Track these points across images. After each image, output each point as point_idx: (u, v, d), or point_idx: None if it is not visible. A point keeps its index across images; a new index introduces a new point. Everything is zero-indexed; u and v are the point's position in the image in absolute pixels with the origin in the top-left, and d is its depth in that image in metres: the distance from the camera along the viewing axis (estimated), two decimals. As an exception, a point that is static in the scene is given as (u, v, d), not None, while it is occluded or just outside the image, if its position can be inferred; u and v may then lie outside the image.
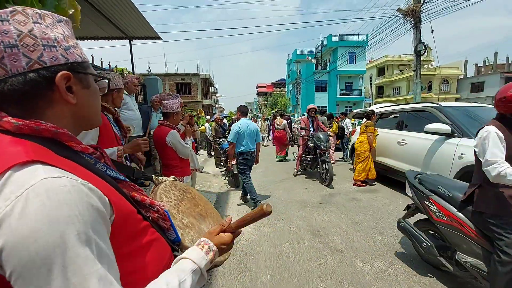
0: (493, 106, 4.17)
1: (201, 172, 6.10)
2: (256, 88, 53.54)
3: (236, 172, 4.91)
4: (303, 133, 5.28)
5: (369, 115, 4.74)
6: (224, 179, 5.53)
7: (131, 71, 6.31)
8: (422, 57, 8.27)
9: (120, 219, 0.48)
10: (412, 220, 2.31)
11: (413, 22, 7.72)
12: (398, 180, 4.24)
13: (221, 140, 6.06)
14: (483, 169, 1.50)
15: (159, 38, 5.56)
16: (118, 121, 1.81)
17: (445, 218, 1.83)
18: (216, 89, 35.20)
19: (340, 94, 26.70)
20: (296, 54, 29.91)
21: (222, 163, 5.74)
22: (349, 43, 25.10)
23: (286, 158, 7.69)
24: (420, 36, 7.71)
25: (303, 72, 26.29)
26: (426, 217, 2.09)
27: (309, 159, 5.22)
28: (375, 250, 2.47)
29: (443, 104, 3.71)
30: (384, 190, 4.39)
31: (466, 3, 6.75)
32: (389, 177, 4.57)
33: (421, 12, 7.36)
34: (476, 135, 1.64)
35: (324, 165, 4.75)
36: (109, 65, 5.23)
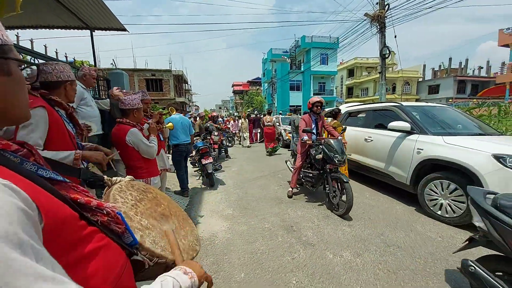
0: (444, 105, 4.58)
1: (173, 172, 5.87)
2: (232, 86, 53.04)
3: (210, 171, 4.81)
4: (305, 138, 3.57)
5: (335, 113, 4.93)
6: (198, 179, 5.39)
7: (93, 64, 5.82)
8: (386, 61, 8.89)
9: (53, 225, 0.41)
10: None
11: (378, 27, 8.24)
12: (367, 175, 4.51)
13: (194, 138, 5.87)
14: None
15: (124, 30, 5.18)
16: (72, 117, 1.63)
17: None
18: (190, 86, 34.16)
19: (314, 94, 27.63)
20: (271, 53, 30.22)
21: (196, 163, 5.56)
22: (322, 44, 26.07)
23: (276, 148, 8.69)
24: (385, 41, 8.27)
25: (278, 71, 26.70)
26: (491, 253, 1.61)
27: (311, 175, 3.69)
28: (344, 242, 2.58)
29: (404, 103, 4.01)
30: (353, 185, 4.62)
31: (425, 11, 7.39)
32: (358, 172, 4.83)
33: (385, 18, 7.90)
34: None
35: (337, 186, 3.30)
36: (66, 56, 4.73)
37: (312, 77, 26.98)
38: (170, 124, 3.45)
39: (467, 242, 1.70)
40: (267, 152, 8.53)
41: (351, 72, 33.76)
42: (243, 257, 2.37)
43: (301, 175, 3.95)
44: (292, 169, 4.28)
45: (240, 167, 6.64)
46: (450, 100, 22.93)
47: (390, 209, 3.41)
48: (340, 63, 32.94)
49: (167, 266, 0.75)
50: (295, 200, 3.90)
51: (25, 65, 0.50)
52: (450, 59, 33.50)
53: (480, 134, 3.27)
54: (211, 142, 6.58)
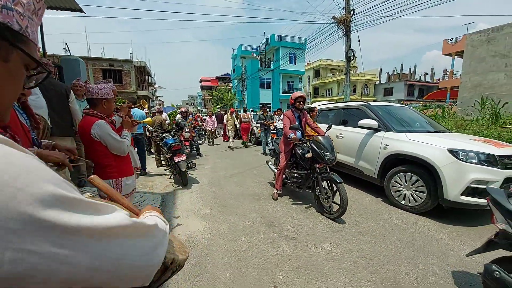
0: (403, 105, 5.05)
1: (141, 172, 5.43)
2: (200, 82, 51.24)
3: (184, 169, 4.57)
4: (291, 135, 3.31)
5: (311, 110, 5.12)
6: (170, 178, 5.09)
7: (40, 48, 5.02)
8: (350, 63, 9.53)
9: None
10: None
11: (344, 30, 8.76)
12: (336, 170, 4.78)
13: (164, 135, 5.50)
14: None
15: (80, 10, 4.56)
16: (27, 107, 1.36)
17: None
18: (154, 79, 32.03)
19: (283, 92, 28.35)
20: (241, 50, 30.03)
21: (167, 160, 5.21)
22: (290, 44, 26.81)
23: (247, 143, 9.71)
24: (350, 44, 8.83)
25: (248, 68, 26.67)
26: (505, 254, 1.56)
27: (298, 175, 3.45)
28: (323, 234, 2.69)
29: (371, 103, 4.33)
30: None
31: (385, 19, 8.08)
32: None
33: (351, 22, 8.43)
34: None
35: (328, 187, 3.07)
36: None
37: (281, 76, 27.62)
38: (148, 119, 3.15)
39: (485, 245, 1.62)
40: (243, 144, 9.70)
41: (317, 73, 35.45)
42: (226, 256, 2.30)
43: (285, 176, 3.73)
44: (275, 170, 4.02)
45: (213, 164, 6.47)
46: (402, 102, 25.68)
47: (360, 201, 3.67)
48: (307, 63, 34.33)
49: (165, 267, 0.67)
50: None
51: (37, 67, 0.46)
52: (402, 65, 37.66)
53: (434, 131, 3.71)
54: (182, 138, 6.26)
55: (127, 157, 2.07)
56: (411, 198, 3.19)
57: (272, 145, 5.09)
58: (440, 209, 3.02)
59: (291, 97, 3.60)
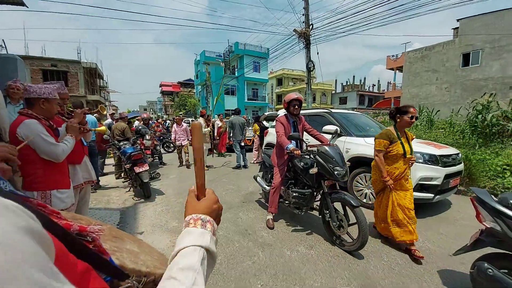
0: (359, 112, 5.57)
1: (97, 185, 4.83)
2: (160, 87, 48.63)
3: (146, 180, 4.21)
4: (290, 146, 2.65)
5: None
6: (129, 191, 4.63)
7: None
8: (311, 73, 10.20)
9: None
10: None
11: (305, 43, 9.37)
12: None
13: (122, 143, 5.01)
14: None
15: (22, 4, 3.94)
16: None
17: None
18: (107, 82, 29.32)
19: (248, 99, 28.74)
20: (204, 55, 29.62)
21: (126, 172, 4.72)
22: (254, 53, 27.49)
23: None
24: (310, 56, 9.47)
25: (212, 74, 26.37)
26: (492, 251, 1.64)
27: (299, 195, 2.79)
28: (297, 237, 2.75)
29: (333, 110, 4.67)
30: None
31: (340, 35, 8.90)
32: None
33: (310, 36, 9.07)
34: None
35: (342, 211, 2.50)
36: None
37: (246, 83, 28.03)
38: (103, 127, 2.82)
39: (472, 244, 1.67)
40: (220, 155, 8.46)
41: (280, 81, 36.97)
42: (200, 271, 2.16)
43: (282, 195, 3.08)
44: (267, 188, 3.36)
45: (179, 173, 6.12)
46: (355, 109, 28.40)
47: (327, 202, 3.87)
48: (270, 72, 35.60)
49: (155, 284, 0.62)
50: (245, 203, 3.89)
51: None
52: (354, 76, 42.09)
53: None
54: (142, 147, 5.78)
55: (62, 166, 1.79)
56: (371, 196, 3.50)
57: (260, 159, 4.09)
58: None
59: (284, 100, 3.02)
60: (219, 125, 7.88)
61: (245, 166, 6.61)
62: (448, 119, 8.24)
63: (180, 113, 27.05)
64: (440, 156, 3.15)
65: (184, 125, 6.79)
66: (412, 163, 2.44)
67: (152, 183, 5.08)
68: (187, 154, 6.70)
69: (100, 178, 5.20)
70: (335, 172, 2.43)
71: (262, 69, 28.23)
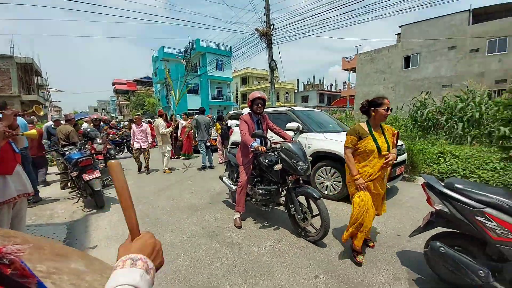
0: (319, 110, 5.91)
1: (33, 198, 4.18)
2: (113, 85, 44.32)
3: (98, 188, 3.78)
4: (254, 144, 2.67)
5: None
6: (77, 202, 4.12)
7: None
8: (274, 72, 10.45)
9: None
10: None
11: (267, 42, 9.53)
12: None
13: (67, 148, 4.41)
14: None
15: None
16: None
17: (511, 236, 1.45)
18: (47, 80, 25.69)
19: (212, 98, 28.14)
20: (163, 52, 27.97)
21: (73, 180, 4.15)
22: (217, 51, 27.00)
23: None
24: (272, 55, 9.68)
25: (172, 72, 25.10)
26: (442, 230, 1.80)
27: (265, 192, 2.83)
28: (265, 233, 2.79)
29: (294, 108, 4.85)
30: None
31: (299, 36, 9.26)
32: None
33: (272, 36, 9.27)
34: None
35: (306, 204, 2.65)
36: None
37: (210, 82, 27.39)
38: (33, 131, 2.43)
39: (425, 225, 1.84)
40: (186, 156, 7.74)
41: (244, 80, 37.07)
42: (164, 281, 2.03)
43: (249, 193, 3.11)
44: (234, 187, 3.37)
45: (137, 178, 5.68)
46: (316, 107, 30.10)
47: (293, 197, 4.01)
48: (234, 71, 35.43)
49: None
50: (212, 204, 3.79)
51: None
52: (314, 76, 44.81)
53: (343, 131, 4.48)
54: (93, 152, 5.16)
55: None
56: (331, 188, 3.74)
57: (226, 158, 3.99)
58: (352, 194, 3.67)
59: (248, 99, 3.02)
60: (183, 125, 7.50)
61: (211, 167, 6.46)
62: (394, 115, 9.31)
63: (137, 113, 25.16)
64: (388, 147, 3.53)
65: (144, 125, 6.05)
66: (388, 162, 2.06)
67: (106, 191, 4.62)
68: (147, 159, 6.10)
69: (40, 189, 4.52)
70: (298, 167, 2.51)
71: (225, 67, 27.91)
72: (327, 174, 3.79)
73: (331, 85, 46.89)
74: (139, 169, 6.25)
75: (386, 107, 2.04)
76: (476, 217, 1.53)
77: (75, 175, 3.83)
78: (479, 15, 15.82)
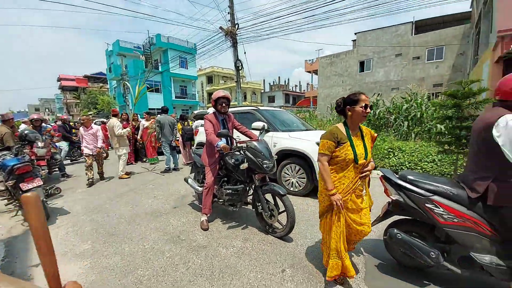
0: (283, 110, 6.11)
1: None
2: (59, 81, 39.15)
3: (41, 198, 3.29)
4: (220, 143, 2.61)
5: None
6: (16, 215, 3.55)
7: None
8: (240, 72, 10.43)
9: None
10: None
11: (232, 41, 9.46)
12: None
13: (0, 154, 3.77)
14: None
15: None
16: None
17: (456, 220, 1.59)
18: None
19: (176, 97, 26.88)
20: (118, 46, 25.71)
21: (8, 191, 3.55)
22: (180, 47, 25.87)
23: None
24: (238, 55, 9.65)
25: (130, 68, 23.31)
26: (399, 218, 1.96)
27: (232, 191, 2.80)
28: (233, 233, 2.76)
29: (260, 107, 4.90)
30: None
31: (264, 37, 9.41)
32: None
33: (236, 35, 9.23)
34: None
35: (273, 201, 2.69)
36: None
37: (173, 80, 26.11)
38: None
39: (383, 214, 2.00)
40: (152, 161, 7.00)
41: (210, 79, 36.28)
42: (123, 294, 1.86)
43: (216, 194, 3.07)
44: (200, 189, 3.27)
45: (91, 184, 5.10)
46: (282, 107, 31.01)
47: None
48: (199, 69, 34.44)
49: None
50: (176, 208, 3.61)
51: None
52: (279, 77, 45.94)
53: (306, 130, 4.70)
54: (33, 157, 4.46)
55: None
56: (296, 184, 3.89)
57: (192, 159, 3.78)
58: (316, 189, 3.86)
59: (212, 98, 2.98)
60: (144, 126, 6.78)
61: (175, 169, 6.15)
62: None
63: (89, 113, 22.72)
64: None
65: (94, 127, 5.24)
66: (365, 173, 1.75)
67: (51, 201, 4.06)
68: (101, 166, 5.40)
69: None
70: (264, 165, 2.54)
71: (190, 65, 26.93)
72: (292, 171, 3.93)
73: (296, 86, 48.88)
74: (91, 183, 5.03)
75: (364, 104, 1.66)
76: (426, 204, 1.69)
77: (11, 184, 3.28)
78: (421, 27, 18.13)
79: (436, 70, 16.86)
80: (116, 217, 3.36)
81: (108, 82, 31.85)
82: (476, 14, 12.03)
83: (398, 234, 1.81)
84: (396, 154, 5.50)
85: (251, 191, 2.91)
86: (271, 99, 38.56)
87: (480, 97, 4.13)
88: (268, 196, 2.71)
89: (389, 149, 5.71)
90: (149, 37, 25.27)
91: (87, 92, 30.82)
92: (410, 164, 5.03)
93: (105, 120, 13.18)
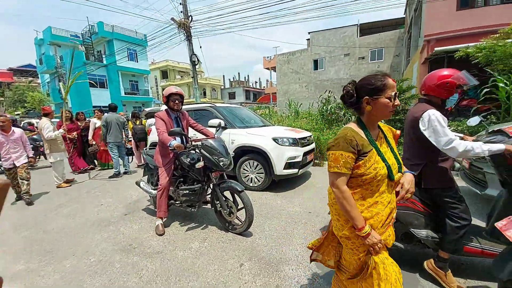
0: (241, 106, 6.15)
1: None
2: (-28, 74, 31.88)
3: None
4: (173, 142, 2.50)
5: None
6: None
7: None
8: (196, 67, 10.05)
9: None
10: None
11: (186, 34, 9.04)
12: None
13: None
14: (444, 148, 1.50)
15: None
16: None
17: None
18: None
19: (126, 93, 24.54)
20: (51, 34, 22.10)
21: None
22: (127, 38, 23.57)
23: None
24: (193, 49, 9.27)
25: (66, 59, 20.36)
26: None
27: (190, 191, 2.74)
28: (190, 234, 2.69)
29: (216, 104, 4.83)
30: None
31: (220, 31, 9.21)
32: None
33: (191, 28, 8.84)
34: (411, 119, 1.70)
35: (231, 198, 2.69)
36: None
37: (121, 74, 23.72)
38: None
39: None
40: (103, 166, 6.23)
41: (164, 74, 34.09)
42: (63, 316, 1.66)
43: (172, 195, 2.96)
44: (154, 192, 3.08)
45: (19, 198, 4.34)
46: (243, 104, 31.06)
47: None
48: (152, 62, 32.04)
49: None
50: (128, 215, 3.34)
51: None
52: (239, 73, 45.91)
53: (264, 126, 4.81)
54: None
55: None
56: (255, 180, 3.98)
57: (145, 160, 3.48)
58: (274, 183, 4.03)
59: (163, 94, 2.84)
60: (97, 125, 5.81)
61: (127, 173, 5.66)
62: (308, 110, 10.75)
63: (17, 112, 19.27)
64: (299, 139, 4.04)
65: (17, 132, 3.99)
66: (404, 196, 1.13)
67: (-36, 220, 3.33)
68: (25, 182, 3.98)
69: None
70: (221, 163, 2.54)
71: (140, 58, 24.80)
72: (251, 167, 4.00)
73: (256, 82, 49.51)
74: (18, 196, 4.17)
75: (393, 93, 1.06)
76: None
77: None
78: (365, 29, 20.09)
79: (378, 69, 19.02)
80: (54, 231, 2.95)
81: (40, 76, 27.25)
82: (408, 20, 13.90)
83: None
84: (344, 146, 6.06)
85: (209, 190, 2.88)
86: (232, 96, 38.32)
87: (410, 94, 4.84)
88: (227, 194, 2.72)
89: (339, 142, 6.25)
90: (89, 25, 22.40)
91: (13, 88, 25.84)
92: (356, 154, 5.62)
93: (34, 121, 11.28)
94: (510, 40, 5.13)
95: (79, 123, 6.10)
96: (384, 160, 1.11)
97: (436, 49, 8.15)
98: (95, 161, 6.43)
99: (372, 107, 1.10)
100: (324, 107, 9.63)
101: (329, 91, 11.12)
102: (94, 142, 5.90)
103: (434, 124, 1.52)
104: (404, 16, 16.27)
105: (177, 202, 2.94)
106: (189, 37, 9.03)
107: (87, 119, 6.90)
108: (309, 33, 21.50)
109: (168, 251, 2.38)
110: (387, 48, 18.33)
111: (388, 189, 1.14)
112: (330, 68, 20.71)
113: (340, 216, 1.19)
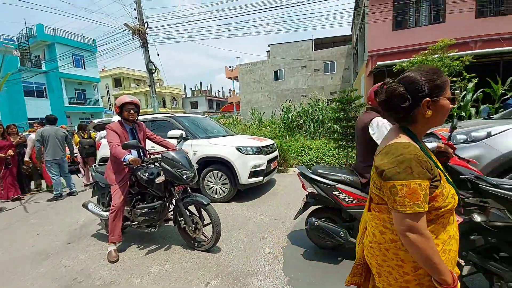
0: (203, 116, 6.02)
1: None
2: None
3: None
4: (128, 157, 2.28)
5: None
6: None
7: None
8: (154, 75, 9.54)
9: None
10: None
11: (141, 41, 8.56)
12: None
13: None
14: None
15: None
16: None
17: (354, 202, 1.97)
18: None
19: (71, 103, 21.90)
20: (-28, 35, 18.77)
21: None
22: (72, 42, 21.30)
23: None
24: (149, 56, 8.81)
25: (-5, 65, 17.36)
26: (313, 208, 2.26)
27: (149, 210, 2.48)
28: (149, 257, 2.44)
29: (177, 114, 4.62)
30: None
31: (177, 40, 8.96)
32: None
33: (146, 35, 8.42)
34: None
35: (197, 213, 2.55)
36: None
37: (64, 82, 21.15)
38: None
39: (303, 207, 2.26)
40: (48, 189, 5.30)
41: (118, 82, 31.59)
42: None
43: (128, 216, 2.66)
44: (105, 214, 2.72)
45: None
46: (206, 113, 30.47)
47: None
48: (102, 70, 29.46)
49: None
50: (72, 243, 2.89)
51: None
52: (201, 82, 45.27)
53: (227, 135, 4.76)
54: None
55: None
56: (220, 191, 3.87)
57: (93, 178, 3.11)
58: (239, 192, 3.97)
59: (115, 104, 2.61)
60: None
61: (71, 194, 4.94)
62: (271, 119, 11.08)
63: None
64: (263, 147, 4.09)
65: None
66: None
67: None
68: None
69: None
70: (184, 176, 2.38)
71: (89, 64, 22.55)
72: (215, 178, 3.88)
73: (219, 91, 49.34)
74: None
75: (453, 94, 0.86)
76: (333, 192, 2.04)
77: None
78: (318, 44, 21.82)
79: (331, 81, 20.75)
80: (-32, 274, 2.36)
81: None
82: (354, 37, 15.60)
83: (316, 222, 2.07)
84: (307, 152, 6.37)
85: (171, 206, 2.67)
86: (194, 105, 37.41)
87: (359, 102, 5.35)
88: (192, 208, 2.56)
89: (301, 148, 6.55)
90: (26, 27, 19.68)
91: None
92: (317, 159, 5.93)
93: None
94: (436, 55, 6.14)
95: (11, 139, 5.10)
96: (451, 183, 0.86)
97: (378, 63, 9.30)
98: (32, 182, 5.49)
99: (433, 111, 0.81)
100: (286, 115, 10.04)
101: (290, 100, 11.72)
102: (31, 164, 5.02)
103: (382, 129, 1.74)
104: (351, 33, 18.25)
105: (133, 223, 2.64)
106: (145, 44, 8.57)
107: (20, 133, 5.86)
108: (269, 45, 22.48)
109: (122, 279, 2.11)
110: (338, 62, 20.22)
111: (455, 220, 0.88)
112: (289, 78, 21.85)
113: (397, 273, 0.83)
